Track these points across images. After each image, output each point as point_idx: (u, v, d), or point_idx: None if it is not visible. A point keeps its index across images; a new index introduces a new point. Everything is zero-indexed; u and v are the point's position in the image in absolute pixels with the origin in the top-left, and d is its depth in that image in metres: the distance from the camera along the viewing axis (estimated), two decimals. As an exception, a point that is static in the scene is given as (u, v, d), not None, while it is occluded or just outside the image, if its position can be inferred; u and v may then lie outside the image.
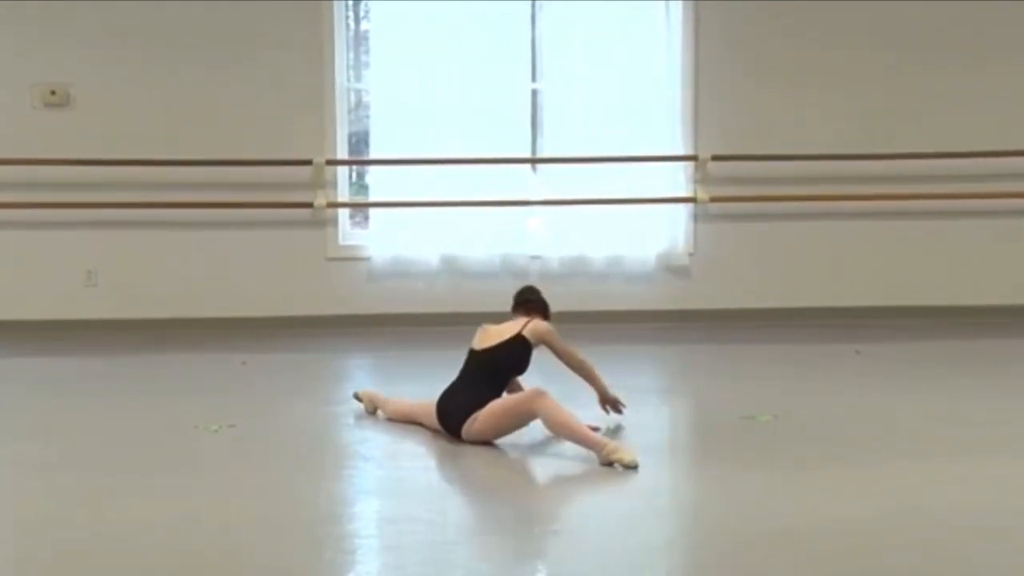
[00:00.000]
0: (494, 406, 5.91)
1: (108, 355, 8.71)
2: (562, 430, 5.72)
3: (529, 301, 6.56)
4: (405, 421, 6.37)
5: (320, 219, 9.67)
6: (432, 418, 6.14)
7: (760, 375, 7.83)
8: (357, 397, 6.68)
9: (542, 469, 5.74)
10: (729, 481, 5.37)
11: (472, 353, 6.26)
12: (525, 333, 6.23)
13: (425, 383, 7.03)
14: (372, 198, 9.98)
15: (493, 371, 6.13)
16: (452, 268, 9.74)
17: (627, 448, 5.56)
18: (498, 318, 9.45)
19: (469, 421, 5.92)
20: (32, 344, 9.04)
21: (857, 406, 6.78)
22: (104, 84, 9.46)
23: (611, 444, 5.55)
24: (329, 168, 9.64)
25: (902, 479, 5.36)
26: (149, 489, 5.26)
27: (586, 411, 6.08)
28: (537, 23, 9.80)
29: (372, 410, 6.57)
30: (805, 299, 9.91)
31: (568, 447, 5.81)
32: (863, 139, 9.78)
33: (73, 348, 8.90)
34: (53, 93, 9.43)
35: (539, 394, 5.80)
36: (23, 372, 8.22)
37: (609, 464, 5.48)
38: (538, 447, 5.92)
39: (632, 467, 5.45)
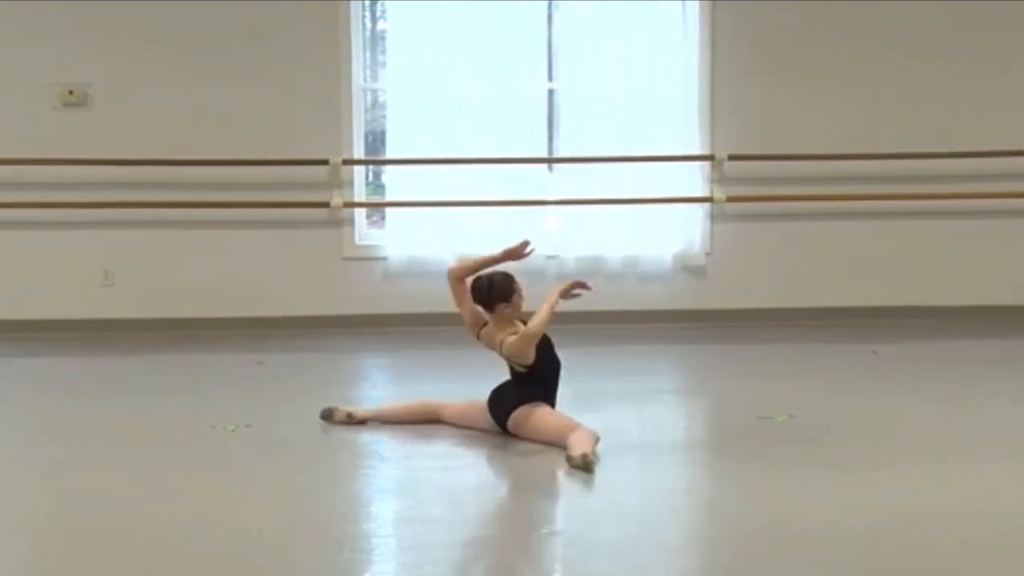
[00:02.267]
0: (547, 422, 5.87)
1: (125, 354, 8.73)
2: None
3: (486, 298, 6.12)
4: (423, 420, 6.34)
5: (336, 219, 9.68)
6: (467, 414, 6.15)
7: (777, 375, 7.82)
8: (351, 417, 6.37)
9: (557, 469, 5.73)
10: (745, 481, 5.37)
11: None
12: (503, 352, 5.99)
13: (440, 383, 7.05)
14: (388, 198, 9.98)
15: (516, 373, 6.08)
16: (468, 268, 9.71)
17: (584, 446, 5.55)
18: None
19: (517, 413, 5.93)
20: (49, 343, 9.06)
21: (874, 406, 6.77)
22: (122, 84, 9.48)
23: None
24: (345, 168, 9.64)
25: (919, 479, 5.35)
26: (165, 489, 5.27)
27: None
28: (553, 23, 9.79)
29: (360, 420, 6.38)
30: (822, 299, 9.88)
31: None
32: (880, 139, 9.75)
33: (90, 347, 8.93)
34: (71, 93, 9.45)
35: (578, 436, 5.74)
36: (40, 371, 8.25)
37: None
38: (553, 447, 5.92)
39: (579, 466, 5.43)
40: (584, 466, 5.40)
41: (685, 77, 9.74)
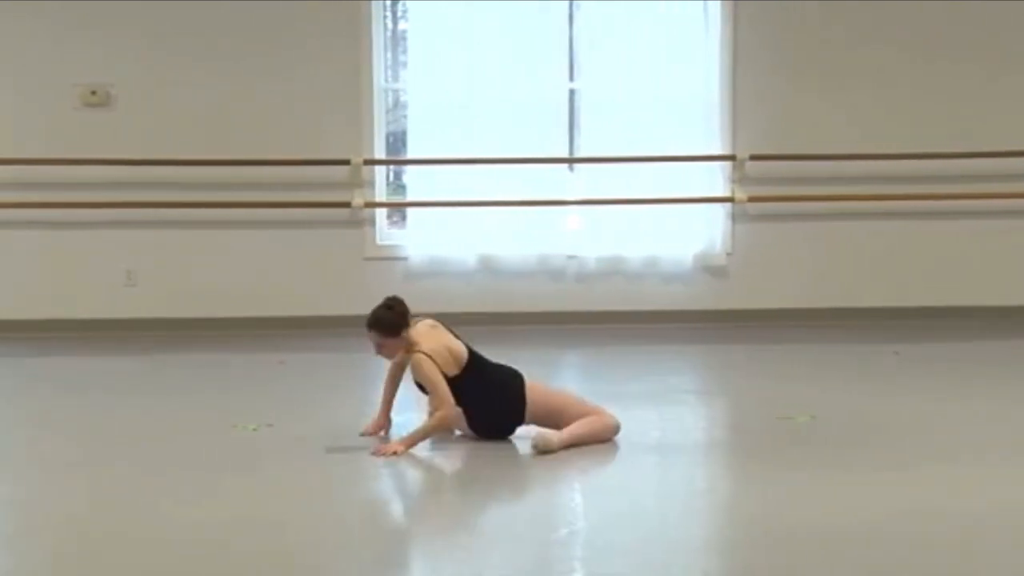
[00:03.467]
0: (580, 426, 5.89)
1: (146, 354, 8.76)
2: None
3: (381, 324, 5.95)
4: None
5: (358, 219, 9.70)
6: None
7: (798, 375, 7.80)
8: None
9: (578, 469, 5.73)
10: (766, 482, 5.35)
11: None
12: (415, 377, 5.94)
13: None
14: (409, 198, 9.99)
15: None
16: (489, 268, 9.74)
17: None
18: (534, 318, 9.55)
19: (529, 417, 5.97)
20: (72, 343, 9.10)
21: (895, 408, 6.74)
22: (144, 84, 9.52)
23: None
24: (367, 168, 9.66)
25: (940, 481, 5.33)
26: (186, 488, 5.29)
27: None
28: (575, 23, 9.78)
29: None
30: (843, 299, 9.86)
31: (608, 444, 5.83)
32: (902, 139, 9.72)
33: (112, 347, 8.96)
34: (93, 93, 9.49)
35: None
36: (62, 370, 8.28)
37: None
38: (574, 447, 5.92)
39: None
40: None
41: (706, 77, 9.73)
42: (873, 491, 5.17)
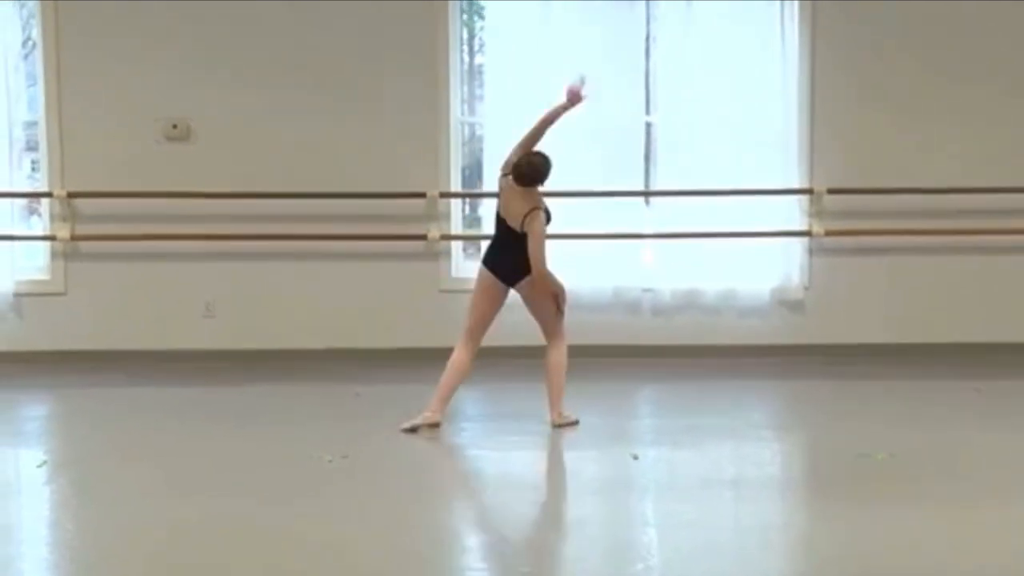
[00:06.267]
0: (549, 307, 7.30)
1: (224, 385, 8.84)
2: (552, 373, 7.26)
3: (520, 172, 7.25)
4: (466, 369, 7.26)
5: (434, 251, 9.73)
6: (483, 314, 7.45)
7: (877, 412, 7.72)
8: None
9: (651, 502, 5.71)
10: (844, 519, 5.30)
11: (500, 220, 7.30)
12: (525, 228, 7.12)
13: (535, 417, 7.04)
14: (485, 230, 10.01)
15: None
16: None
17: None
18: (609, 351, 9.49)
19: (525, 282, 7.26)
20: (152, 373, 9.19)
21: (976, 445, 6.66)
22: (224, 118, 9.63)
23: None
24: (443, 201, 9.70)
25: (1021, 521, 5.24)
26: (263, 518, 5.33)
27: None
28: (651, 56, 9.77)
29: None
30: (923, 335, 9.74)
31: (684, 479, 5.79)
32: (981, 172, 9.61)
33: (191, 378, 9.05)
34: (175, 127, 9.62)
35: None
36: (142, 400, 8.37)
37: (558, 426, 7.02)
38: (647, 480, 5.89)
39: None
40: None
41: (784, 110, 9.67)
42: (952, 530, 5.10)
